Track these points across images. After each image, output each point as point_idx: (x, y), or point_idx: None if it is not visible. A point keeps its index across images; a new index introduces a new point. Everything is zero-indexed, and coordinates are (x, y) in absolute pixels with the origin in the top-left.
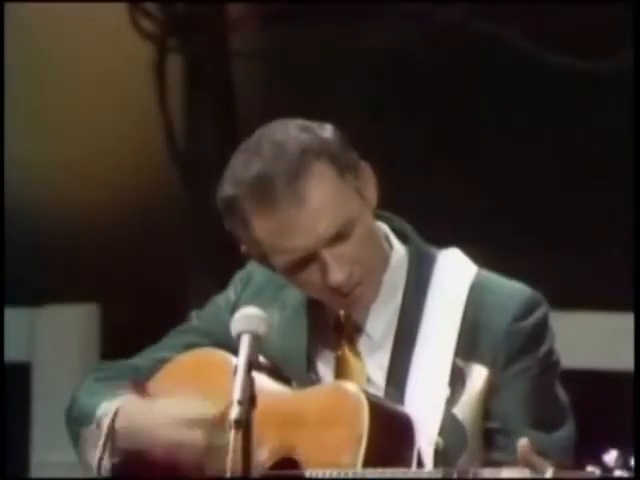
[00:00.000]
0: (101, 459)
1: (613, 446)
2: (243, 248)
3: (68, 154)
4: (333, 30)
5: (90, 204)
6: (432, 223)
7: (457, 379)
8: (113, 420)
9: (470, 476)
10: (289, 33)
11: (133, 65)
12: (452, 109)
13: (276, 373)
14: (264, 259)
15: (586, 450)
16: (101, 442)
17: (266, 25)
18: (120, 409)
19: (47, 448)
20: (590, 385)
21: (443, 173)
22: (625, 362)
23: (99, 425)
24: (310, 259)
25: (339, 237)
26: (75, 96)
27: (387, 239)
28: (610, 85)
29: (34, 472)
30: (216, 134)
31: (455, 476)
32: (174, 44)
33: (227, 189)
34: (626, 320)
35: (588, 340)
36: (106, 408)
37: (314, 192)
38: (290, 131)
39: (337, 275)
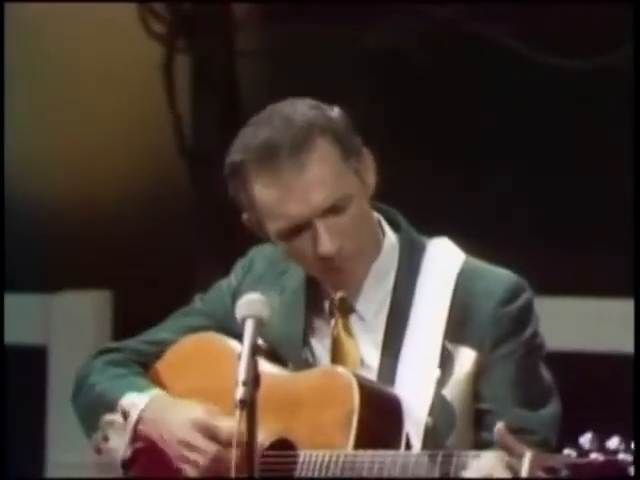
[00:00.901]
0: (127, 448)
1: (593, 425)
2: (244, 216)
3: (83, 148)
4: (334, 30)
5: (104, 195)
6: (427, 219)
7: (446, 361)
8: (140, 416)
9: (453, 459)
10: (292, 33)
11: (143, 64)
12: (449, 106)
13: (273, 355)
14: (261, 226)
15: (566, 430)
16: (129, 434)
17: (270, 26)
18: (147, 406)
19: (63, 446)
20: (573, 366)
21: (441, 171)
22: (606, 344)
23: (126, 416)
24: (304, 227)
25: (334, 210)
26: (89, 94)
27: (381, 226)
28: (601, 83)
29: (50, 472)
30: (221, 129)
31: (440, 459)
32: (182, 44)
33: (234, 155)
34: (606, 305)
35: (570, 323)
36: (133, 400)
37: (315, 164)
38: (299, 107)
39: (327, 245)
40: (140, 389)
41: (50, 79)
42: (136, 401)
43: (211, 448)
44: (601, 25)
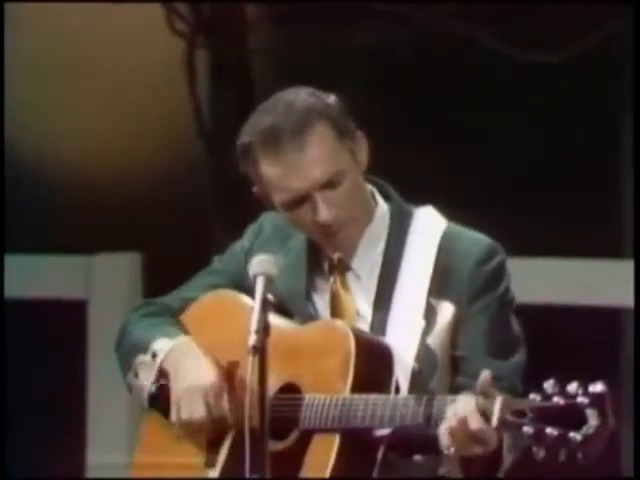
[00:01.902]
0: (152, 383)
1: (556, 371)
2: (254, 189)
3: (117, 132)
4: (333, 30)
5: (135, 172)
6: (414, 190)
7: (430, 314)
8: (166, 356)
9: (435, 402)
10: (297, 33)
11: (168, 59)
12: (433, 97)
13: (281, 309)
14: (267, 197)
15: (533, 376)
16: (154, 371)
17: (278, 26)
18: (173, 347)
19: (103, 448)
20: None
21: (425, 151)
22: (570, 298)
23: (155, 356)
24: (304, 199)
25: (330, 184)
26: (121, 85)
27: (373, 197)
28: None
29: (90, 474)
30: (236, 116)
31: (424, 402)
32: (202, 42)
33: (244, 137)
34: (570, 264)
35: (539, 281)
36: (162, 344)
37: (314, 144)
38: (299, 95)
39: (324, 214)
40: (170, 335)
41: (88, 72)
42: (164, 344)
43: (198, 412)
44: (566, 19)
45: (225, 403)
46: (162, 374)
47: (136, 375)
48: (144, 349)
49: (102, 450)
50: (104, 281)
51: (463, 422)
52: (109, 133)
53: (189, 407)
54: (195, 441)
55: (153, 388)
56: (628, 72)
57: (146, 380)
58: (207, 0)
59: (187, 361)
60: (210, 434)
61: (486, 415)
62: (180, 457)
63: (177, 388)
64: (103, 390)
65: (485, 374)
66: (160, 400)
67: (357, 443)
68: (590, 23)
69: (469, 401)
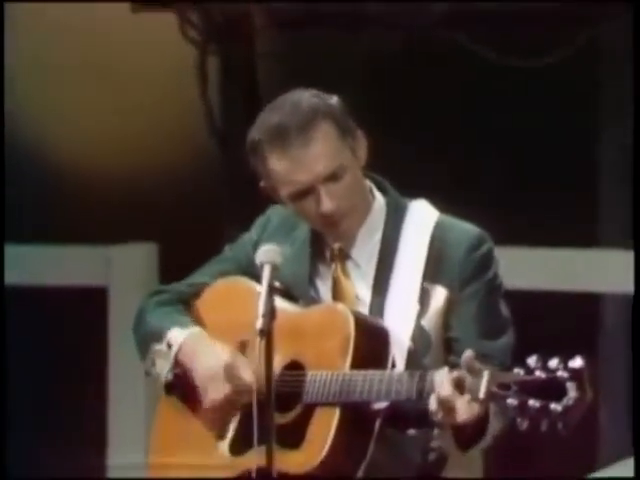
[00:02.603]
0: (168, 372)
1: (540, 349)
2: (261, 183)
3: (135, 131)
4: (336, 35)
5: (151, 169)
6: (409, 185)
7: (424, 298)
8: (180, 347)
9: (428, 377)
10: (301, 38)
11: (182, 65)
12: (424, 99)
13: (286, 294)
14: (275, 191)
15: (518, 353)
16: (170, 361)
17: (282, 32)
18: (186, 339)
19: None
20: (527, 303)
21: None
22: (551, 284)
23: (170, 346)
24: (308, 191)
25: (332, 177)
26: (140, 88)
27: (371, 191)
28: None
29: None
30: (244, 116)
31: (417, 378)
32: (212, 48)
33: (253, 134)
34: (551, 253)
35: (526, 268)
36: (176, 334)
37: (317, 141)
38: (305, 96)
39: (327, 205)
40: (182, 325)
41: (110, 77)
42: (178, 335)
43: (227, 389)
44: (550, 24)
45: (246, 374)
46: (177, 364)
47: (153, 364)
48: (159, 338)
49: (122, 450)
50: (123, 270)
51: (448, 399)
52: (129, 132)
53: (216, 387)
54: (208, 419)
55: (169, 376)
56: (604, 75)
57: (162, 369)
58: (218, 0)
59: (202, 349)
60: (237, 408)
61: (470, 388)
62: (190, 450)
63: (199, 374)
64: (123, 377)
65: (467, 353)
66: (175, 388)
67: (356, 416)
68: (569, 31)
69: (444, 372)
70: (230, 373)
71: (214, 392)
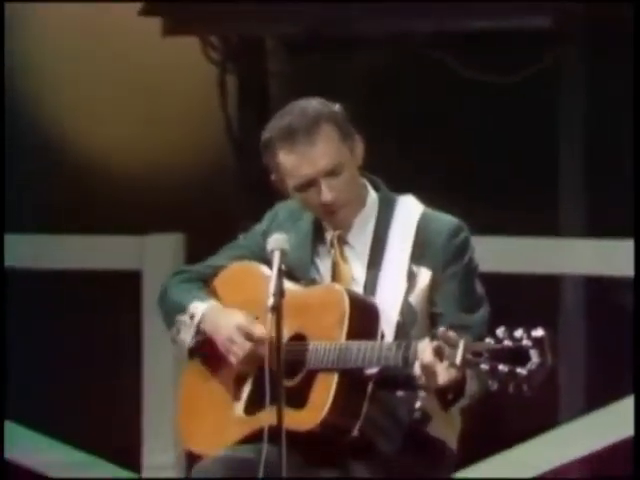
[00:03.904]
0: (191, 339)
1: (508, 322)
2: (272, 176)
3: (164, 138)
4: (336, 56)
5: (178, 171)
6: (397, 183)
7: (411, 278)
8: (201, 318)
9: (412, 347)
10: (307, 59)
11: (204, 82)
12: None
13: (292, 276)
14: (283, 182)
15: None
16: (192, 330)
17: (291, 54)
18: (207, 311)
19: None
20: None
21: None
22: (519, 268)
23: (192, 317)
24: (312, 184)
25: (332, 173)
26: (168, 102)
27: (366, 187)
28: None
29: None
30: (257, 126)
31: (403, 347)
32: (230, 67)
33: (266, 133)
34: (518, 241)
35: (495, 254)
36: (197, 306)
37: (321, 141)
38: (311, 103)
39: (327, 196)
40: (202, 299)
41: (141, 92)
42: (199, 307)
43: (247, 345)
44: (520, 41)
45: (258, 330)
46: (199, 332)
47: (178, 332)
48: (183, 309)
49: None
50: (156, 256)
51: (429, 365)
52: (160, 140)
53: (238, 346)
54: (227, 380)
55: (192, 343)
56: (566, 90)
57: (186, 336)
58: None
59: (220, 318)
60: (255, 362)
61: (448, 356)
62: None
63: (221, 339)
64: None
65: (441, 328)
66: (197, 353)
67: (351, 380)
68: (538, 52)
69: (426, 342)
70: (244, 331)
71: (236, 349)
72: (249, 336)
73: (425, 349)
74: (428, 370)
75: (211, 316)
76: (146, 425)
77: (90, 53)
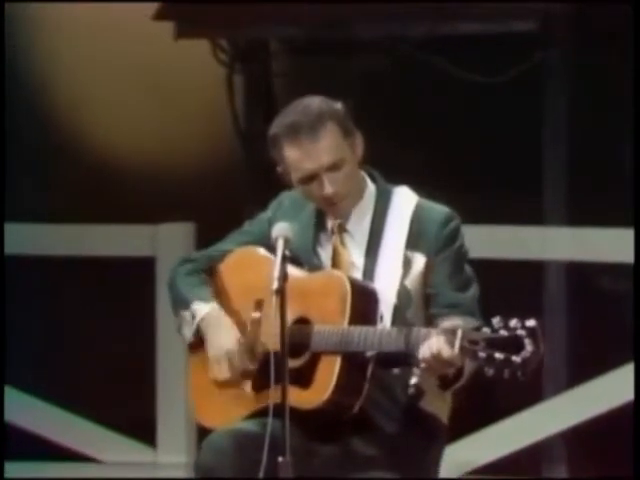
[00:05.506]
0: (192, 335)
1: (495, 306)
2: (278, 169)
3: (176, 133)
4: (335, 57)
5: (189, 164)
6: (394, 175)
7: (407, 263)
8: (201, 320)
9: (413, 332)
10: (308, 60)
11: (214, 81)
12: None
13: (295, 261)
14: (287, 175)
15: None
16: (193, 328)
17: (294, 56)
18: (206, 315)
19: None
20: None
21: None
22: (506, 254)
23: (193, 317)
24: (314, 177)
25: (334, 167)
26: (183, 100)
27: (364, 180)
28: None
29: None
30: (262, 122)
31: (404, 332)
32: (238, 68)
33: (273, 129)
34: (504, 229)
35: (483, 241)
36: (199, 308)
37: (324, 137)
38: (315, 100)
39: (328, 189)
40: (205, 299)
41: (157, 89)
42: (201, 309)
43: (228, 373)
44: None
45: (243, 361)
46: (198, 330)
47: (180, 328)
48: (186, 305)
49: (170, 412)
50: (168, 243)
51: (438, 354)
52: (173, 135)
53: (219, 369)
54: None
55: (192, 339)
56: (549, 89)
57: (187, 333)
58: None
59: (213, 331)
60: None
61: (451, 344)
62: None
63: (209, 352)
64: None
65: (445, 323)
66: (197, 348)
67: (353, 361)
68: (525, 54)
69: (439, 338)
70: (231, 360)
71: (217, 371)
72: (233, 367)
73: (434, 342)
74: (438, 359)
75: (210, 321)
76: (160, 404)
77: (108, 55)
